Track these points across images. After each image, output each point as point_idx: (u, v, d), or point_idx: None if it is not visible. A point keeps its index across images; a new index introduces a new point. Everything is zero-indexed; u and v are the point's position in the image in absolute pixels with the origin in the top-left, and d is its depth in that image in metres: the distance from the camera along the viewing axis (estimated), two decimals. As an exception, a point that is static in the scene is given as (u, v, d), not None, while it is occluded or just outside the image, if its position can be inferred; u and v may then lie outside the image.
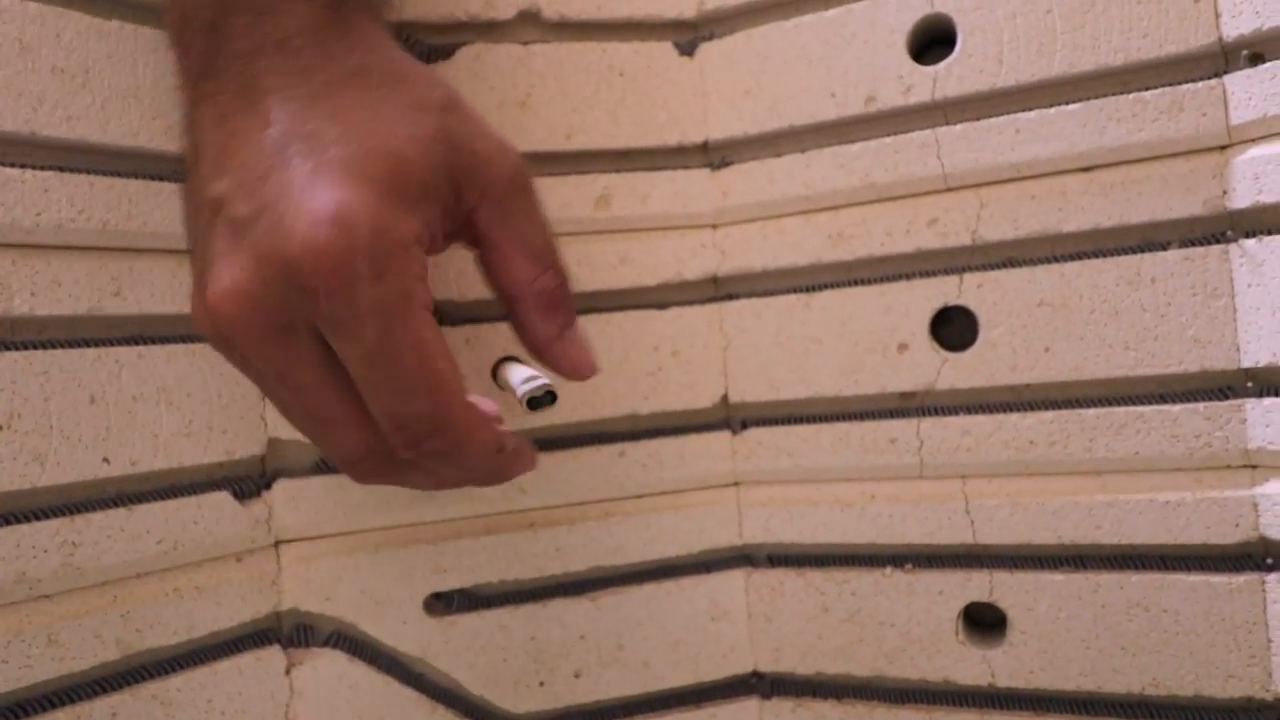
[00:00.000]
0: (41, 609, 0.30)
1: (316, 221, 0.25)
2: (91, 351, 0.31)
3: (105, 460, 0.31)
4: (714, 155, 0.42)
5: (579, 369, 0.31)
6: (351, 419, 0.28)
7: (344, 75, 0.28)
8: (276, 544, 0.36)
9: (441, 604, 0.38)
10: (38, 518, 0.30)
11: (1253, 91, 0.33)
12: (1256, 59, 0.33)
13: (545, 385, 0.30)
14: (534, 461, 0.30)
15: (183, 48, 0.29)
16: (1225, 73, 0.34)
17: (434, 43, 0.38)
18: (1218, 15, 0.34)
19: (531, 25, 0.39)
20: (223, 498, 0.34)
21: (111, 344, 0.32)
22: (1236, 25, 0.33)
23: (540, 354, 0.31)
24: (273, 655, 0.35)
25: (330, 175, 0.26)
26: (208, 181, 0.27)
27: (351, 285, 0.25)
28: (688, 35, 0.41)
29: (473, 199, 0.28)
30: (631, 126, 0.40)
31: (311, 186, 0.25)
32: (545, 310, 0.30)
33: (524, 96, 0.39)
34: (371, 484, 0.31)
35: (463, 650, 0.38)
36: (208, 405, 0.34)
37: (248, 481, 0.35)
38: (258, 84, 0.27)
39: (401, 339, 0.26)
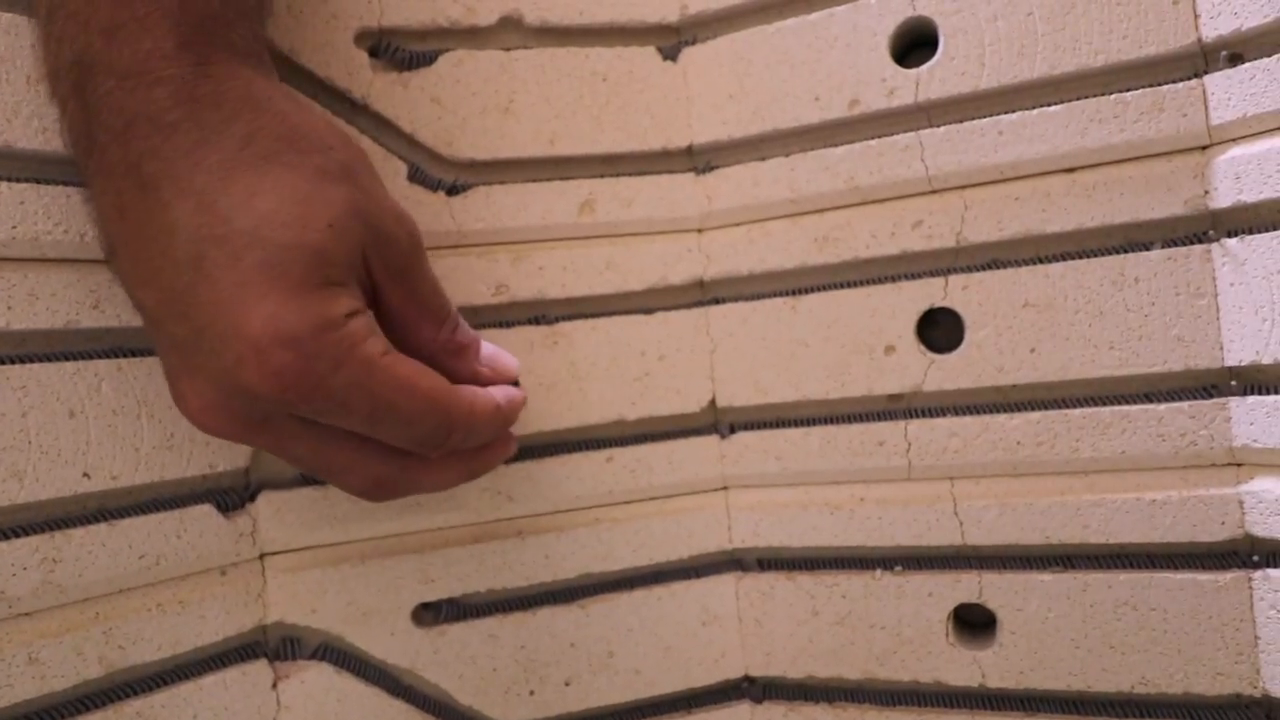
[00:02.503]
0: (22, 627, 0.29)
1: (261, 347, 0.25)
2: (70, 365, 0.31)
3: (85, 475, 0.31)
4: (699, 159, 0.42)
5: (510, 375, 0.35)
6: (357, 462, 0.30)
7: (234, 149, 0.26)
8: (261, 556, 0.36)
9: (430, 614, 0.38)
10: (17, 535, 0.29)
11: (1232, 92, 0.33)
12: (1235, 59, 0.33)
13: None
14: (524, 398, 0.34)
15: (58, 104, 0.28)
16: (1205, 73, 0.34)
17: (415, 49, 0.38)
18: (1196, 16, 0.34)
19: (514, 31, 0.39)
20: (206, 511, 0.34)
21: (90, 357, 0.31)
22: (1215, 26, 0.34)
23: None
24: (259, 669, 0.35)
25: (256, 286, 0.26)
26: (132, 287, 0.28)
27: (320, 385, 0.26)
28: (671, 40, 0.41)
29: (380, 275, 0.29)
30: (615, 131, 0.40)
31: (241, 303, 0.25)
32: (458, 356, 0.32)
33: (507, 103, 0.39)
34: (392, 500, 0.33)
35: (452, 660, 0.38)
36: (190, 417, 0.34)
37: (231, 494, 0.35)
38: (141, 169, 0.26)
39: (386, 392, 0.28)
